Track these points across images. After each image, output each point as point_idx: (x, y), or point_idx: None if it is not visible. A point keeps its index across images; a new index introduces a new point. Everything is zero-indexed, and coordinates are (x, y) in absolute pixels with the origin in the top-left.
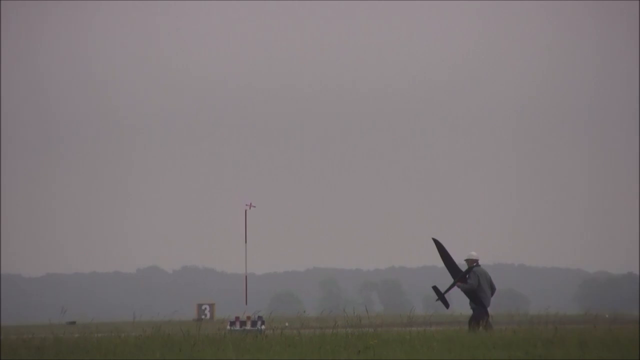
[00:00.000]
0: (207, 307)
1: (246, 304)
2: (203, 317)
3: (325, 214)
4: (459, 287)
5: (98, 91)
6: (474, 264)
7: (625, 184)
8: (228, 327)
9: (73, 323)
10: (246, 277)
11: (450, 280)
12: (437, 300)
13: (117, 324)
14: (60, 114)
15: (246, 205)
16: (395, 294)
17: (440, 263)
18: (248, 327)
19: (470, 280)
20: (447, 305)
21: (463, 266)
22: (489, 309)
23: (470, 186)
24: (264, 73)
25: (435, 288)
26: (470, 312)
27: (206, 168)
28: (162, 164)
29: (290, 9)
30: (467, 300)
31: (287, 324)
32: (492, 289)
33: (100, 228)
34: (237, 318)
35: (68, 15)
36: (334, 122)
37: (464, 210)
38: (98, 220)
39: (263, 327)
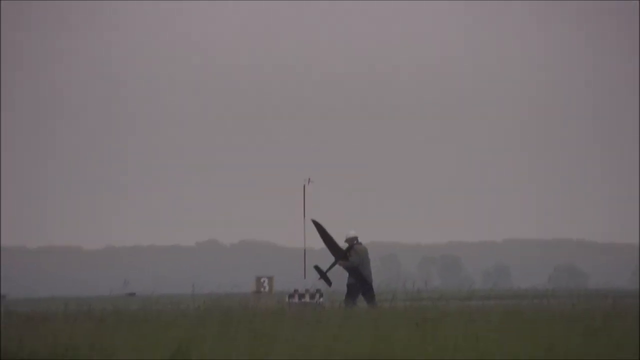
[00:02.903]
0: (266, 280)
1: (305, 277)
2: (262, 289)
3: (385, 188)
4: (340, 265)
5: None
6: (354, 242)
7: None
8: (287, 299)
9: (133, 294)
10: (304, 251)
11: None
12: (319, 279)
13: (176, 296)
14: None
15: (304, 180)
16: (455, 269)
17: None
18: (307, 299)
19: (352, 258)
20: (329, 283)
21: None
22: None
23: (528, 162)
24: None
25: (316, 267)
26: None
27: (265, 143)
28: (223, 141)
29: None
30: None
31: None
32: None
33: (160, 202)
34: (295, 291)
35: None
36: (396, 93)
37: (521, 187)
38: (158, 194)
39: (321, 299)
